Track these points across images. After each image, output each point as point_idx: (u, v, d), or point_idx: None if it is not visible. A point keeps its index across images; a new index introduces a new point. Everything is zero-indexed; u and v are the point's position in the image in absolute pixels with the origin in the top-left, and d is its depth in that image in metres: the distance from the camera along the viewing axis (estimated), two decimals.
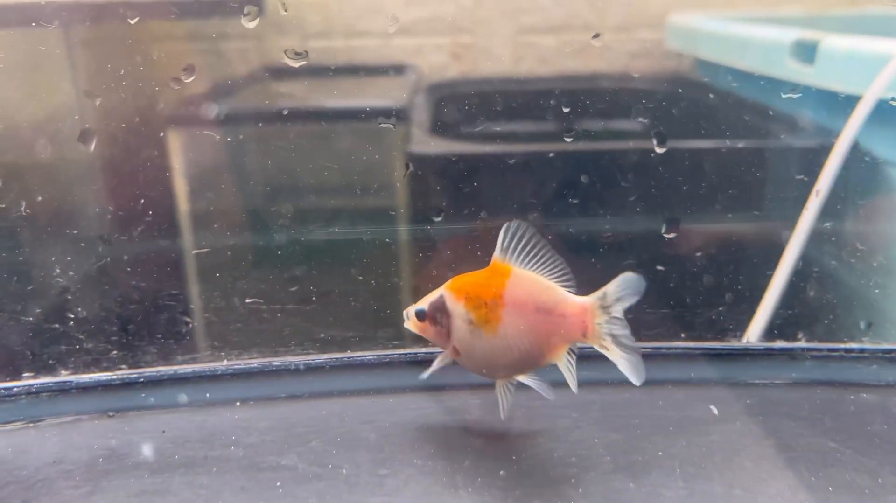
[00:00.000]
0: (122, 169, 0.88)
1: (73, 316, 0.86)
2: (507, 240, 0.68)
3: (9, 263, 0.84)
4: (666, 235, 0.87)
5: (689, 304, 0.90)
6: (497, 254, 0.69)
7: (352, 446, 0.76)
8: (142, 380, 0.86)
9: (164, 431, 0.79)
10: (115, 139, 0.86)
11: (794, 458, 0.71)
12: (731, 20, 1.07)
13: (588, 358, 0.87)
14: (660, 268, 0.89)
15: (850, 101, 0.88)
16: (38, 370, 0.86)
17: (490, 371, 0.72)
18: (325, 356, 0.89)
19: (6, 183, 0.82)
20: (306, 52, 0.84)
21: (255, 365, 0.88)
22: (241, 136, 0.89)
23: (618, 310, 0.65)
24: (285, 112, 0.89)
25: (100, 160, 0.87)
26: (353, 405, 0.84)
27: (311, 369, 0.88)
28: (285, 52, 0.82)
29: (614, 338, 0.66)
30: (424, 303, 0.72)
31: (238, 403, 0.84)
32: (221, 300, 0.88)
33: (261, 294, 0.87)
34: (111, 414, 0.83)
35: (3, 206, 0.82)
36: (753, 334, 0.91)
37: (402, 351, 0.88)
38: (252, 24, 0.79)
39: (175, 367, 0.87)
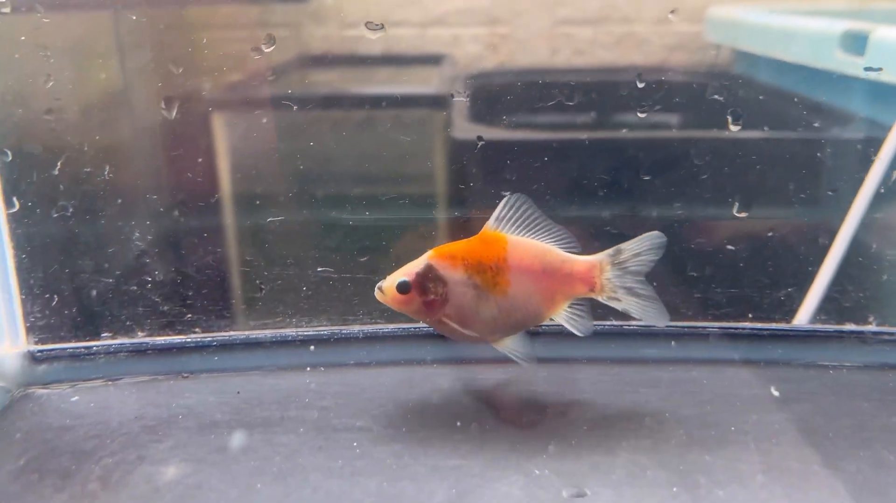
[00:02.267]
0: (200, 139, 0.90)
1: (150, 279, 0.89)
2: (504, 210, 0.72)
3: (91, 226, 0.87)
4: (738, 214, 0.86)
5: (758, 286, 0.90)
6: (490, 222, 0.72)
7: (422, 411, 0.77)
8: (215, 343, 0.88)
9: (238, 392, 0.81)
10: (194, 111, 0.89)
11: (870, 439, 0.71)
12: (774, 13, 1.06)
13: (654, 336, 0.88)
14: (730, 247, 0.88)
15: None
16: (116, 331, 0.89)
17: (490, 333, 0.73)
18: (392, 326, 0.90)
19: (89, 147, 0.85)
20: (382, 24, 0.85)
21: (325, 332, 0.90)
22: (301, 118, 0.90)
23: (636, 265, 0.72)
24: (348, 97, 0.90)
25: (178, 130, 0.88)
26: (421, 373, 0.85)
27: (379, 338, 0.90)
28: (366, 24, 0.83)
29: (628, 289, 0.72)
30: (403, 276, 0.71)
31: (308, 368, 0.86)
32: (294, 268, 0.89)
33: (331, 263, 0.89)
34: (185, 375, 0.86)
35: (88, 169, 0.85)
36: (803, 317, 0.90)
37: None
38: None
39: (247, 332, 0.89)
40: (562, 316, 0.74)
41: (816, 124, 0.91)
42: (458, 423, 0.74)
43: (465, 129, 0.94)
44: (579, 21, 0.94)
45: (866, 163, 0.87)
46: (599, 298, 0.73)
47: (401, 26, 0.93)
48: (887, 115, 0.89)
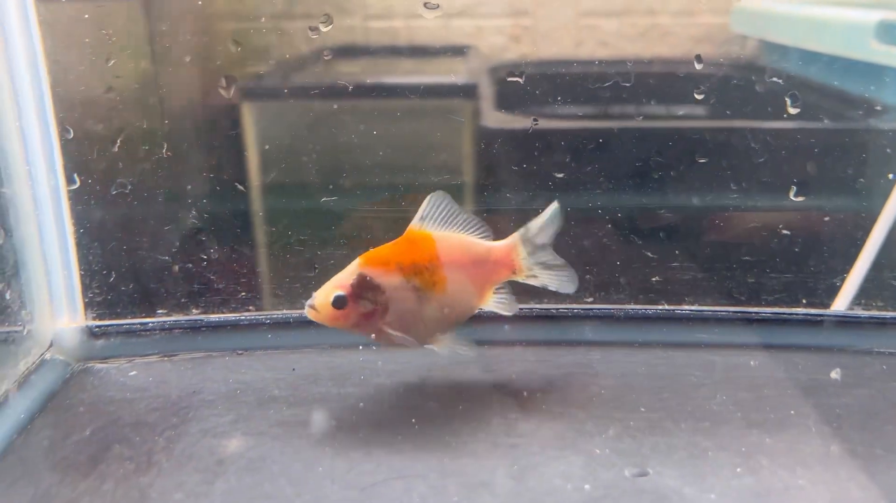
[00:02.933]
0: (256, 120, 0.90)
1: (205, 257, 0.90)
2: (428, 209, 0.72)
3: (148, 204, 0.88)
4: (795, 199, 0.85)
5: (812, 271, 0.89)
6: (414, 222, 0.72)
7: (477, 392, 0.78)
8: (268, 321, 0.89)
9: (294, 369, 0.82)
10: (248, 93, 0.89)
11: None
12: (803, 3, 1.05)
13: (707, 321, 0.88)
14: (786, 231, 0.88)
15: None
16: (171, 308, 0.90)
17: (430, 334, 0.72)
18: None
19: (148, 125, 0.86)
20: (438, 4, 0.85)
21: None
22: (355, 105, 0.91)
23: (542, 239, 0.74)
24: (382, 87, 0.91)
25: (234, 110, 0.89)
26: (477, 354, 0.85)
27: None
28: (425, 4, 0.83)
29: (542, 264, 0.74)
30: (336, 289, 0.68)
31: (360, 347, 0.87)
32: (346, 248, 0.90)
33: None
34: (240, 352, 0.87)
35: (146, 147, 0.86)
36: (842, 303, 0.89)
37: (522, 306, 0.89)
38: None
39: (300, 311, 0.89)
40: (490, 303, 0.75)
41: (849, 114, 0.90)
42: (515, 403, 0.75)
43: (495, 119, 0.94)
44: (604, 13, 0.93)
45: None
46: (519, 279, 0.74)
47: (424, 17, 0.92)
48: None
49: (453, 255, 0.71)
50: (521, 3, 0.92)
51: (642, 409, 0.73)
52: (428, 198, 0.72)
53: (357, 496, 0.61)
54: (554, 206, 0.74)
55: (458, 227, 0.73)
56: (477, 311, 0.76)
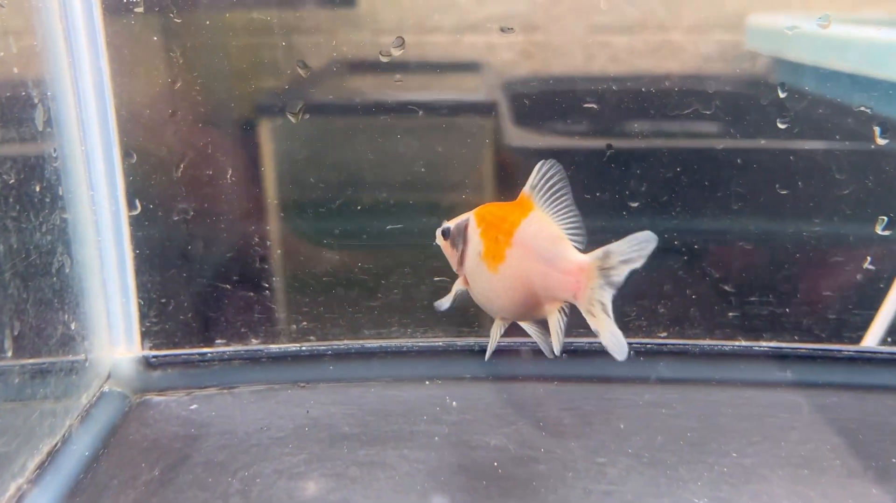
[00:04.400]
0: (320, 145, 0.88)
1: (266, 285, 0.87)
2: (538, 177, 0.62)
3: (210, 230, 0.85)
4: (882, 232, 0.82)
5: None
6: (526, 188, 0.63)
7: (558, 432, 0.74)
8: (329, 352, 0.86)
9: (361, 404, 0.79)
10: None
11: None
12: (824, 22, 1.02)
13: (785, 358, 0.84)
14: (870, 266, 0.84)
15: None
16: (230, 338, 0.87)
17: (488, 308, 0.67)
18: (509, 339, 0.87)
19: (213, 149, 0.83)
20: (513, 27, 0.83)
21: (440, 343, 0.87)
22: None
23: (620, 275, 0.56)
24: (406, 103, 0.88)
25: (300, 135, 0.87)
26: (550, 390, 0.82)
27: (496, 352, 0.87)
28: (500, 28, 0.81)
29: (604, 306, 0.57)
30: (448, 223, 0.68)
31: (427, 382, 0.84)
32: (410, 277, 0.87)
33: (448, 273, 0.86)
34: (302, 384, 0.84)
35: (209, 172, 0.83)
36: (872, 338, 0.86)
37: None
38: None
39: (362, 342, 0.87)
40: (553, 319, 0.61)
41: (871, 133, 0.87)
42: (598, 446, 0.71)
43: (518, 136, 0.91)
44: (616, 29, 0.91)
45: None
46: (581, 309, 0.59)
47: (435, 33, 0.90)
48: None
49: (526, 241, 0.61)
50: (533, 19, 0.90)
51: (734, 454, 0.70)
52: (539, 164, 0.62)
53: None
54: (648, 236, 0.55)
55: (557, 209, 0.61)
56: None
